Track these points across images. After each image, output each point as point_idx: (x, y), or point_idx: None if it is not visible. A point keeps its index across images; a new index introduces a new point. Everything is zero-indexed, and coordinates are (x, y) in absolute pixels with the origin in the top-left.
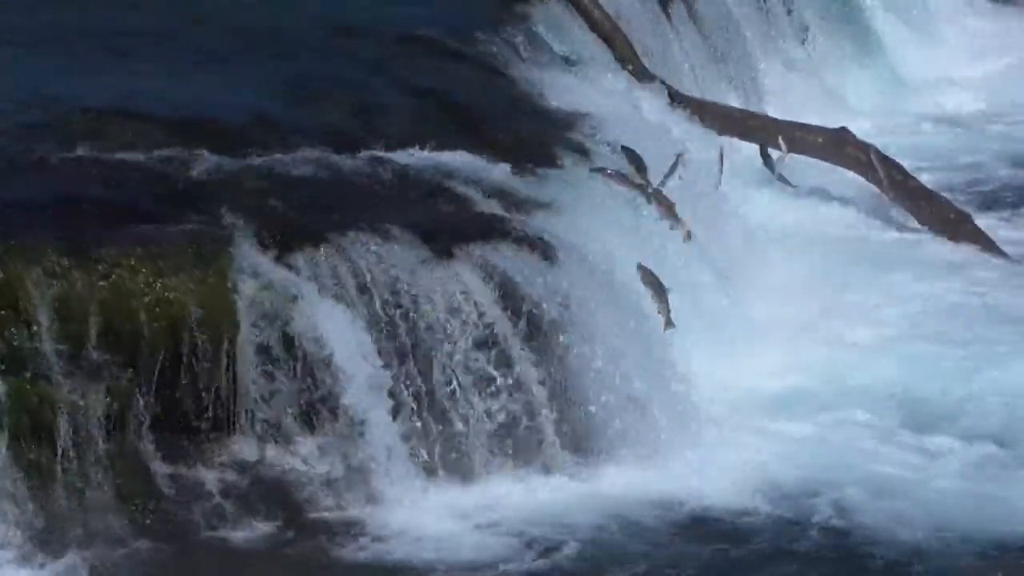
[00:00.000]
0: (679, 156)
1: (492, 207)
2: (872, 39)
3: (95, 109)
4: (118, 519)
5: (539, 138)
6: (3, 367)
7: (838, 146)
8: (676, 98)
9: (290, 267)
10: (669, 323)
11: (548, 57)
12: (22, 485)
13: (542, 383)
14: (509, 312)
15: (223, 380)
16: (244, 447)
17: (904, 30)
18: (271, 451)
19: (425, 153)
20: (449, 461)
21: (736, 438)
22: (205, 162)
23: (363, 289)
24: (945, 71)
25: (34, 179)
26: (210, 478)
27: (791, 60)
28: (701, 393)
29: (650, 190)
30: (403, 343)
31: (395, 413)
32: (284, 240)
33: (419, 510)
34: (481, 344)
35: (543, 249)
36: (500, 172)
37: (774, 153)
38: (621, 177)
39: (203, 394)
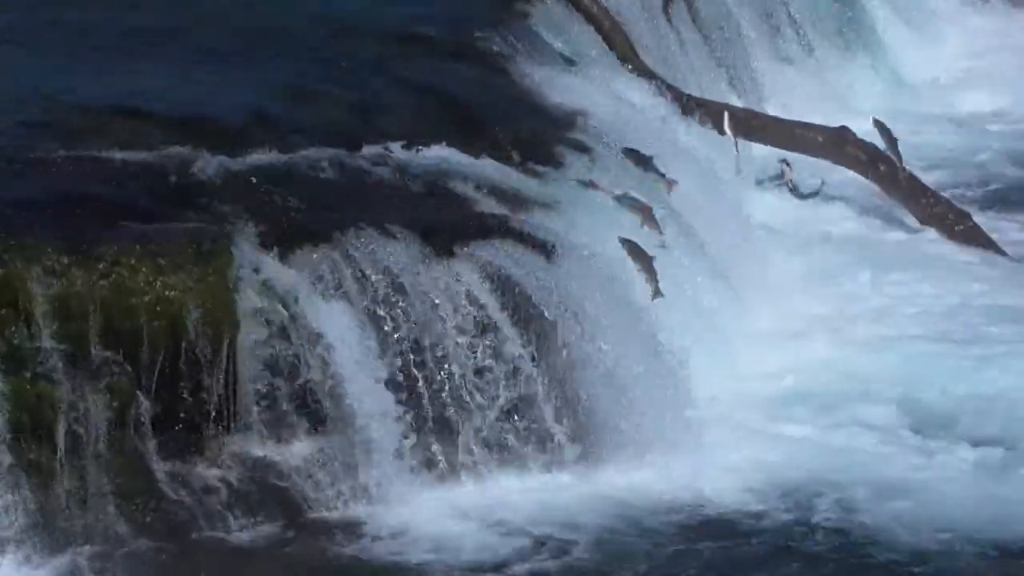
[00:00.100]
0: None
1: (492, 206)
2: (873, 38)
3: (95, 108)
4: (118, 517)
5: (539, 136)
6: (3, 366)
7: (838, 145)
8: (676, 96)
9: (290, 265)
10: (657, 292)
11: (548, 56)
12: (22, 484)
13: (543, 382)
14: (509, 310)
15: (223, 379)
16: (244, 446)
17: (905, 29)
18: (271, 450)
19: (425, 152)
20: (450, 460)
21: (738, 438)
22: (205, 161)
23: (363, 287)
24: (947, 70)
25: (34, 178)
26: (210, 477)
27: (791, 59)
28: (703, 393)
29: (620, 194)
30: (403, 341)
31: (396, 412)
32: (284, 239)
33: (420, 509)
34: (481, 342)
35: (543, 247)
36: (500, 171)
37: (784, 168)
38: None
39: (203, 393)
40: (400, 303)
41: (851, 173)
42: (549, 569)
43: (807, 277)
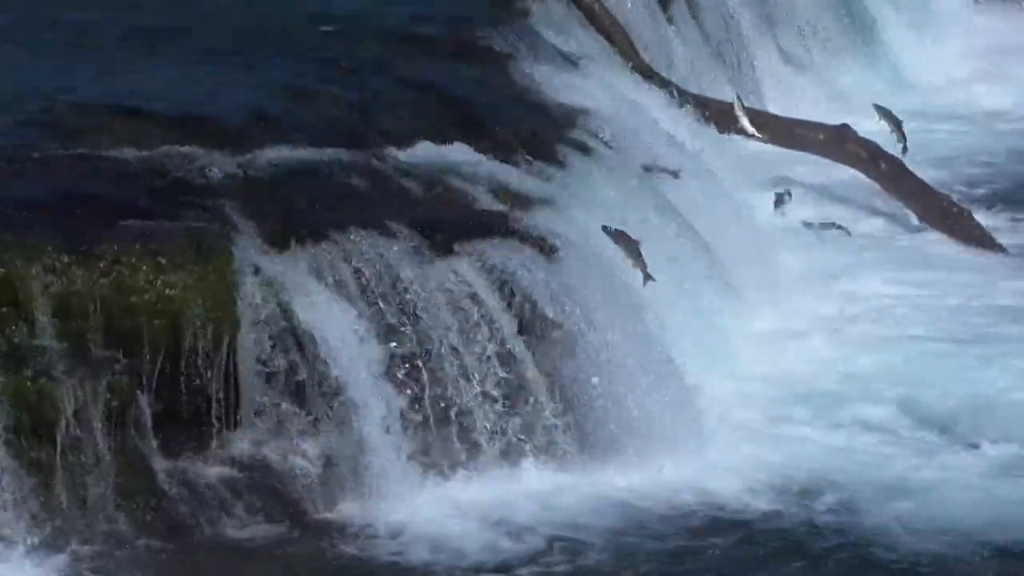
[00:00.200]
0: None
1: (492, 203)
2: (875, 37)
3: (96, 107)
4: (119, 516)
5: (540, 134)
6: (4, 364)
7: (839, 143)
8: (677, 94)
9: (291, 264)
10: (648, 276)
11: (549, 53)
12: (23, 482)
13: (543, 380)
14: (509, 308)
15: (224, 377)
16: (245, 444)
17: (907, 28)
18: (272, 448)
19: (425, 150)
20: (451, 458)
21: (739, 438)
22: (205, 159)
23: (363, 285)
24: (949, 69)
25: (35, 176)
26: (211, 475)
27: (792, 58)
28: (705, 392)
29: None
30: (404, 339)
31: (397, 410)
32: (285, 237)
33: (421, 508)
34: (482, 340)
35: (544, 245)
36: (501, 168)
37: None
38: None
39: (204, 391)
40: (400, 301)
41: (852, 171)
42: (550, 569)
43: (807, 277)
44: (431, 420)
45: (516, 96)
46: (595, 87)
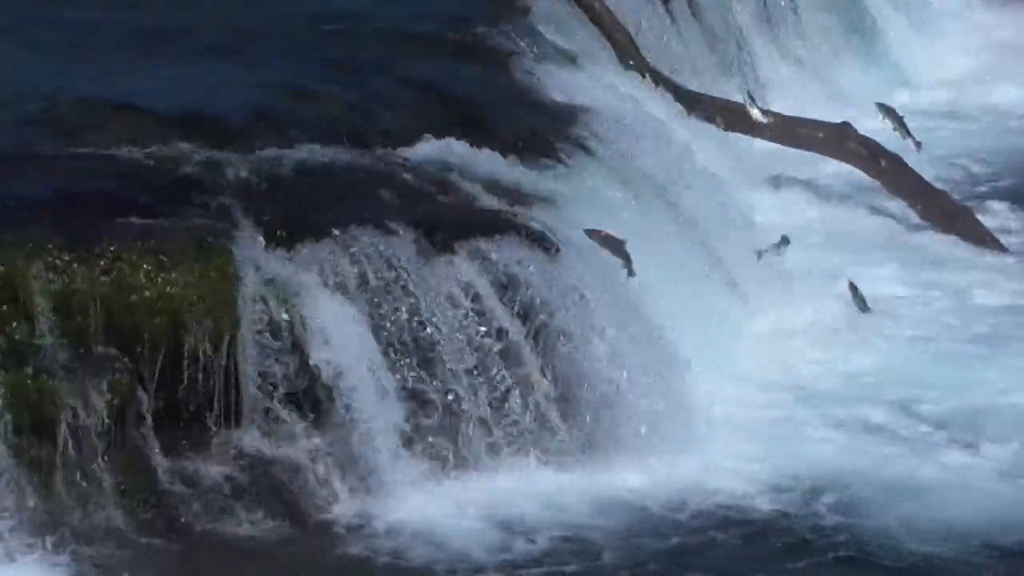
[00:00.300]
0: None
1: (493, 201)
2: (876, 34)
3: (96, 106)
4: (119, 514)
5: (540, 132)
6: (4, 362)
7: (840, 141)
8: (678, 93)
9: (291, 261)
10: (631, 271)
11: (549, 52)
12: (23, 480)
13: (545, 378)
14: (511, 307)
15: (224, 375)
16: (246, 442)
17: (908, 26)
18: (273, 446)
19: (426, 148)
20: (453, 456)
21: (739, 438)
22: (206, 157)
23: (364, 283)
24: (950, 67)
25: (35, 175)
26: (212, 473)
27: (793, 56)
28: (706, 391)
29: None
30: (405, 337)
31: (397, 408)
32: (285, 234)
33: (423, 506)
34: (483, 338)
35: (544, 243)
36: (501, 166)
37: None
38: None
39: (205, 389)
40: (401, 299)
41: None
42: (552, 568)
43: (808, 276)
44: (433, 417)
45: (517, 95)
46: (596, 86)
